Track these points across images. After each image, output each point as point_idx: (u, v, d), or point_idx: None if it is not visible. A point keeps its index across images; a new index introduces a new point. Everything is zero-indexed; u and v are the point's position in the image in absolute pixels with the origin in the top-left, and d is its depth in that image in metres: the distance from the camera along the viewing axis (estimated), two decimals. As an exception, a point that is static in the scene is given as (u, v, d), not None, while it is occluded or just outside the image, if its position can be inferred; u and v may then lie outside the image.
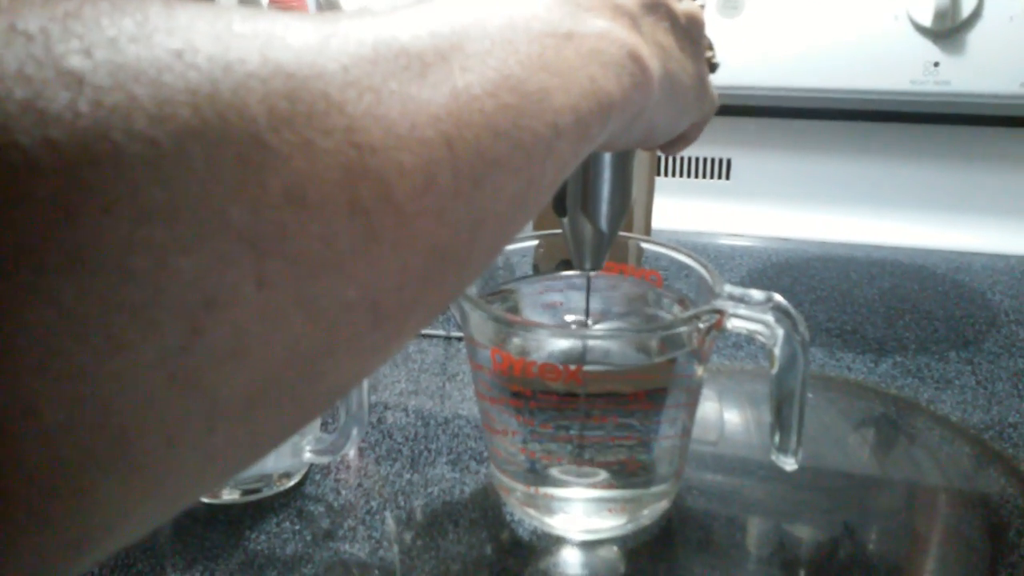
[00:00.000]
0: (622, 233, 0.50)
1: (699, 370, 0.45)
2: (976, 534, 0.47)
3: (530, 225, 0.61)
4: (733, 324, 0.43)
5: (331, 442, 0.50)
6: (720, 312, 0.43)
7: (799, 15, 0.79)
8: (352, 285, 0.17)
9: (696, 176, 0.90)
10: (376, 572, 0.46)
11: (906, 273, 0.78)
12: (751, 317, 0.42)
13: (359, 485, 0.52)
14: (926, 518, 0.49)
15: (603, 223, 0.42)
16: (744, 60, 0.81)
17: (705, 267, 0.47)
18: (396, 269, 0.18)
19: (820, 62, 0.79)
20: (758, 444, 0.54)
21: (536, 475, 0.47)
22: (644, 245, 0.50)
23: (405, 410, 0.59)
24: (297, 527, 0.49)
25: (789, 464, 0.45)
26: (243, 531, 0.49)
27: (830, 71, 0.79)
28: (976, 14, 0.75)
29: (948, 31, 0.76)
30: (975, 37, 0.75)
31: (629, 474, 0.47)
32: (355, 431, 0.49)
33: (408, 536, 0.48)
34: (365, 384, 0.48)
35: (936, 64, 0.77)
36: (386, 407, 0.60)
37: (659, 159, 0.90)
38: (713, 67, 0.39)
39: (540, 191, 0.22)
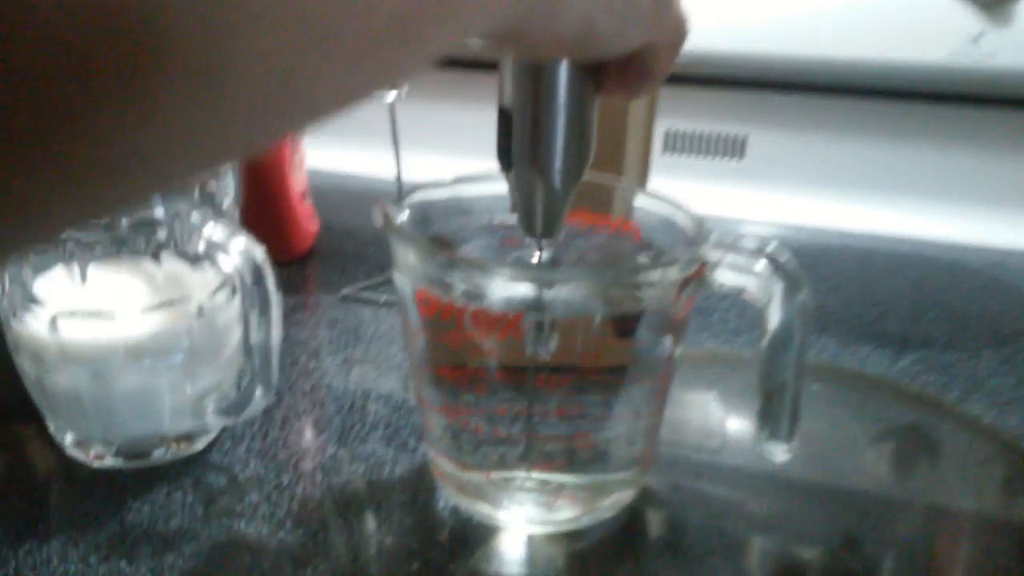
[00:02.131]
0: (600, 179, 0.42)
1: (671, 341, 0.37)
2: (1007, 556, 0.39)
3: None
4: (717, 276, 0.35)
5: (232, 402, 0.42)
6: (701, 261, 0.34)
7: (829, -23, 0.71)
8: None
9: (707, 155, 0.81)
10: (271, 555, 0.38)
11: (934, 267, 0.69)
12: (739, 267, 0.34)
13: (273, 456, 0.44)
14: (948, 535, 0.41)
15: (556, 179, 0.34)
16: (762, 23, 0.73)
17: (690, 217, 0.38)
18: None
19: (847, 29, 0.71)
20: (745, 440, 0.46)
21: (472, 455, 0.39)
22: (624, 194, 0.42)
23: (345, 379, 0.52)
24: (189, 499, 0.41)
25: (779, 453, 0.37)
26: (124, 500, 0.41)
27: (859, 40, 0.71)
28: (1029, -20, 0.67)
29: (996, -1, 0.67)
30: (1027, 7, 0.67)
31: (584, 458, 0.39)
32: (259, 392, 0.41)
33: (318, 517, 0.40)
34: (275, 339, 0.41)
35: (979, 36, 0.68)
36: (324, 374, 0.52)
37: (665, 133, 0.81)
38: None
39: (353, 35, 0.16)
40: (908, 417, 0.49)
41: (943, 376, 0.52)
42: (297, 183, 0.65)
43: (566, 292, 0.34)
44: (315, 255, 0.68)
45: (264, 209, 0.63)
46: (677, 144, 0.82)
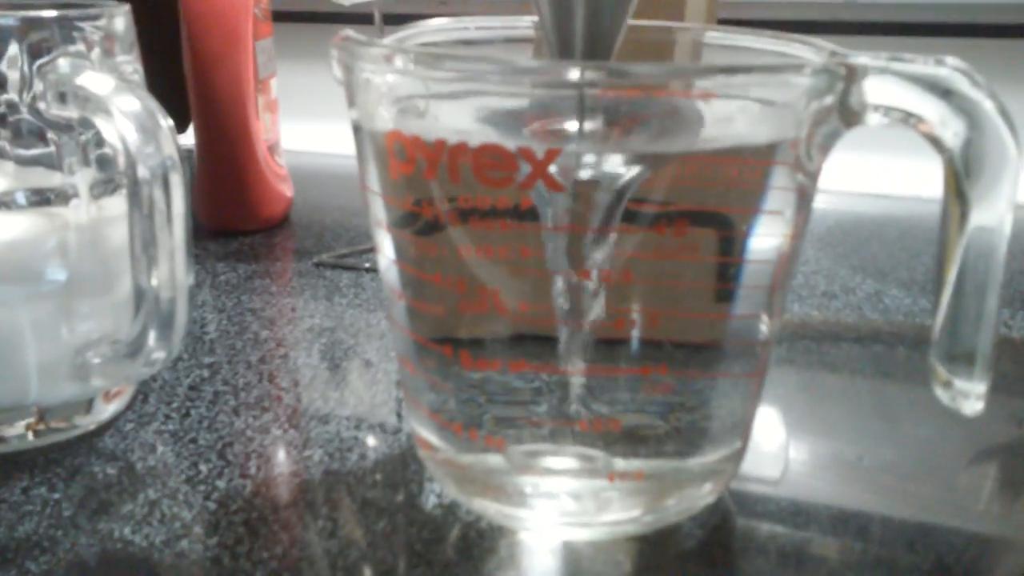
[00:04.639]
0: (652, 27, 0.29)
1: (791, 231, 0.23)
2: None
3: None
4: (873, 94, 0.21)
5: (116, 353, 0.28)
6: (851, 68, 0.21)
7: None
8: None
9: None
10: (162, 574, 0.24)
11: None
12: (916, 77, 0.21)
13: (192, 441, 0.31)
14: None
15: None
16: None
17: (812, 56, 0.25)
18: None
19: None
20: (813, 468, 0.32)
21: (479, 420, 0.25)
22: (689, 41, 0.29)
23: (307, 349, 0.38)
24: (55, 496, 0.28)
25: (972, 399, 0.23)
26: (-44, 496, 0.27)
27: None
28: None
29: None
30: None
31: (651, 430, 0.25)
32: (152, 338, 0.27)
33: (244, 521, 0.26)
34: (180, 260, 0.27)
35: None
36: (279, 344, 0.39)
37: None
38: None
39: None
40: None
41: None
42: (265, 130, 0.52)
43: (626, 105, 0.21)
44: (286, 226, 0.55)
45: (220, 161, 0.51)
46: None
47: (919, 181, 0.61)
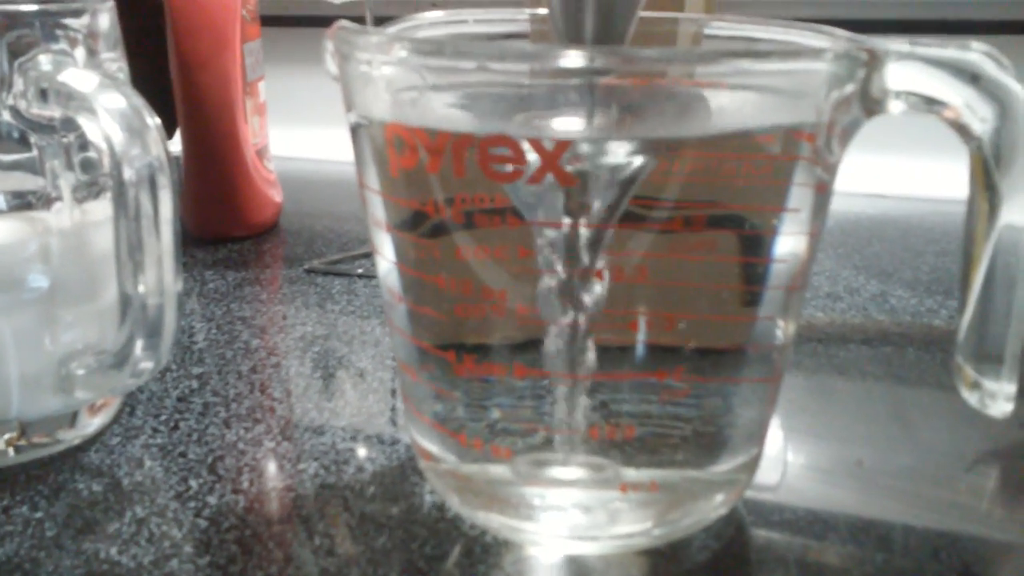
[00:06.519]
0: (652, 17, 0.28)
1: (811, 227, 0.22)
2: None
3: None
4: (895, 80, 0.20)
5: (101, 364, 0.27)
6: (870, 53, 0.20)
7: None
8: None
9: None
10: (148, 600, 0.23)
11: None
12: (941, 62, 0.20)
13: (181, 455, 0.29)
14: None
15: None
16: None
17: (824, 36, 0.24)
18: None
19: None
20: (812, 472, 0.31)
21: (482, 429, 0.24)
22: (691, 31, 0.28)
23: (300, 358, 0.37)
24: (38, 515, 0.26)
25: (1001, 400, 0.22)
26: (-67, 517, 0.26)
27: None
28: None
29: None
30: None
31: (661, 438, 0.24)
32: (139, 344, 0.26)
33: (236, 539, 0.25)
34: (168, 266, 0.26)
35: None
36: (271, 353, 0.37)
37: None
38: None
39: None
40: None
41: None
42: (253, 134, 0.51)
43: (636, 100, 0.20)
44: (276, 232, 0.53)
45: (207, 166, 0.49)
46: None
47: (918, 182, 0.60)
